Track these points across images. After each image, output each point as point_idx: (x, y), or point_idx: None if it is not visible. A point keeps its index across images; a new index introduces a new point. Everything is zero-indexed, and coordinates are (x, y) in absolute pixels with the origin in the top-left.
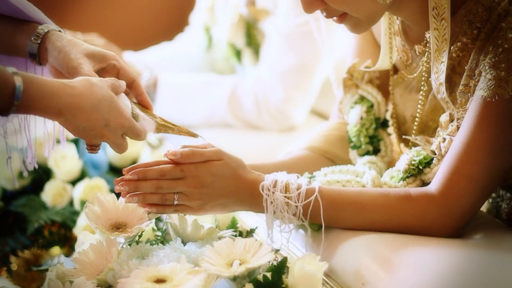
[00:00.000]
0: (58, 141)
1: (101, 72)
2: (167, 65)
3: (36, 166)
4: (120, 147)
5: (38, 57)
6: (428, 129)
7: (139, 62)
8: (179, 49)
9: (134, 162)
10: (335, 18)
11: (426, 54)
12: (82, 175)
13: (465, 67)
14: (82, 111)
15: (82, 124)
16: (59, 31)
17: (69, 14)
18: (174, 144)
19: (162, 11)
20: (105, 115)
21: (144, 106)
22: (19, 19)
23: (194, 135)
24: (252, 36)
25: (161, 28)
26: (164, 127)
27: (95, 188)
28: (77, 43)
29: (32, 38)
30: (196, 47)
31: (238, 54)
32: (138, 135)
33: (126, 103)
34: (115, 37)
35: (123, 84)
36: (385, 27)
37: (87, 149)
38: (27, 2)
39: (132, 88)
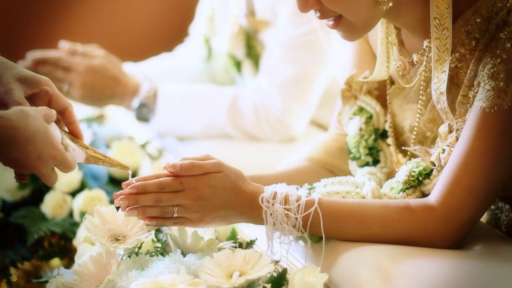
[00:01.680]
0: None
1: (33, 97)
2: (167, 76)
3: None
4: (50, 179)
5: None
6: (426, 139)
7: (139, 73)
8: (178, 60)
9: (134, 174)
10: (330, 23)
11: (424, 63)
12: (82, 187)
13: (464, 78)
14: (16, 144)
15: (14, 156)
16: None
17: (69, 25)
18: (174, 156)
19: (162, 22)
20: (39, 148)
21: (74, 135)
22: None
23: (125, 168)
24: (252, 47)
25: (161, 39)
26: (94, 158)
27: (95, 199)
28: (10, 66)
29: None
30: (195, 58)
31: (238, 65)
32: (69, 167)
33: (56, 133)
34: (115, 48)
35: (54, 113)
36: (382, 36)
37: (16, 178)
38: None
39: (64, 116)
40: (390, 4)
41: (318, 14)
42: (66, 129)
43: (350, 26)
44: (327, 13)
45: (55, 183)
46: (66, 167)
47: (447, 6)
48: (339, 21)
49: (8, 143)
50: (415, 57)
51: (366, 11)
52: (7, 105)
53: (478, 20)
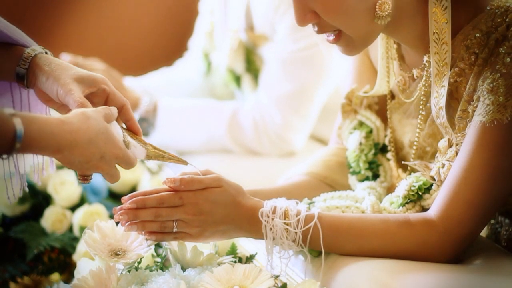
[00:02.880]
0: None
1: (90, 96)
2: (167, 90)
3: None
4: (113, 177)
5: (26, 81)
6: (426, 154)
7: (139, 87)
8: (178, 74)
9: (134, 188)
10: (330, 38)
11: (424, 78)
12: (82, 201)
13: (463, 93)
14: (80, 147)
15: (78, 158)
16: (46, 53)
17: (70, 38)
18: (174, 171)
19: (162, 36)
20: (101, 148)
21: (133, 132)
22: (3, 42)
23: (184, 162)
24: (251, 62)
25: (161, 54)
26: (155, 154)
27: (95, 214)
28: (66, 67)
29: (20, 63)
30: (195, 73)
31: (237, 79)
32: (131, 164)
33: (117, 131)
34: (116, 62)
35: (115, 111)
36: (382, 51)
37: (79, 179)
38: (11, 25)
39: (121, 113)
40: (389, 19)
41: (316, 29)
42: (124, 126)
43: (349, 41)
44: (325, 28)
45: (118, 180)
46: (128, 164)
47: (446, 21)
48: (339, 36)
49: (71, 146)
50: (415, 72)
51: (365, 25)
52: (67, 105)
53: (478, 35)
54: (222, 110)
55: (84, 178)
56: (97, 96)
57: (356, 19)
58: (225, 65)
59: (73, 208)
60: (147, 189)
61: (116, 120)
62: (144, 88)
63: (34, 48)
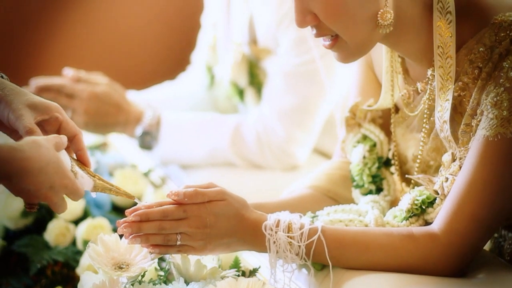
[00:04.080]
0: None
1: (43, 124)
2: (170, 104)
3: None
4: (60, 207)
5: None
6: (430, 168)
7: (142, 101)
8: (181, 88)
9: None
10: (326, 42)
11: (428, 91)
12: (85, 215)
13: (467, 107)
14: (30, 175)
15: (27, 187)
16: (1, 76)
17: (73, 53)
18: (177, 184)
19: (164, 50)
20: (51, 178)
21: (82, 162)
22: None
23: (131, 197)
24: (254, 75)
25: (164, 67)
26: (102, 186)
27: (98, 227)
28: (20, 92)
29: None
30: (198, 86)
31: (240, 93)
32: (79, 195)
33: (66, 160)
34: (119, 76)
35: (65, 140)
36: (387, 65)
37: (26, 207)
38: None
39: (73, 143)
40: (390, 29)
41: (315, 32)
42: (74, 156)
43: (344, 47)
44: (323, 31)
45: (65, 211)
46: (76, 195)
47: (450, 35)
48: (336, 41)
49: (21, 174)
50: (419, 86)
51: (365, 32)
52: (18, 131)
53: (481, 49)
54: (225, 123)
55: (30, 206)
56: (50, 124)
57: (356, 25)
58: (228, 79)
59: (76, 222)
60: (151, 202)
61: (67, 150)
62: (147, 102)
63: None
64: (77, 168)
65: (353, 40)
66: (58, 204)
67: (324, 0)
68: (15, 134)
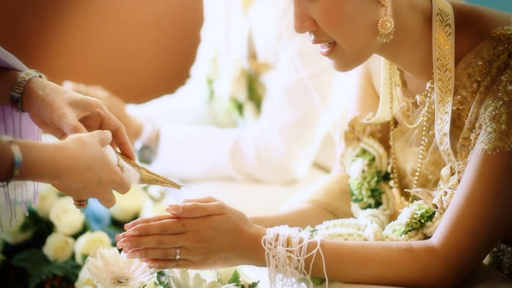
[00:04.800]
0: (60, 194)
1: (85, 120)
2: (169, 118)
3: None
4: (109, 202)
5: (20, 105)
6: (428, 182)
7: (141, 114)
8: (181, 102)
9: (136, 215)
10: (324, 50)
11: (427, 104)
12: (84, 229)
13: (465, 120)
14: (77, 172)
15: (75, 184)
16: (40, 76)
17: (73, 66)
18: (176, 198)
19: (164, 64)
20: (98, 173)
21: (127, 156)
22: None
23: (177, 186)
24: (253, 90)
25: (163, 81)
26: (148, 177)
27: (97, 241)
28: (60, 91)
29: (14, 88)
30: (197, 100)
31: (239, 107)
32: (126, 188)
33: (111, 155)
34: (118, 90)
35: (109, 135)
36: (385, 77)
37: (75, 204)
38: (3, 50)
39: (116, 137)
40: (391, 37)
41: (312, 37)
42: (118, 150)
43: (342, 54)
44: (321, 37)
45: (114, 205)
46: (124, 188)
47: (449, 48)
48: (333, 48)
49: (68, 172)
50: (418, 98)
51: (363, 40)
52: (63, 129)
53: (480, 63)
54: (224, 138)
55: (80, 203)
56: (92, 120)
57: (354, 32)
58: (227, 93)
59: (75, 236)
60: (150, 216)
61: (110, 144)
62: (147, 115)
63: (28, 72)
64: (123, 162)
65: (351, 48)
66: (107, 199)
67: (323, 6)
68: (58, 132)
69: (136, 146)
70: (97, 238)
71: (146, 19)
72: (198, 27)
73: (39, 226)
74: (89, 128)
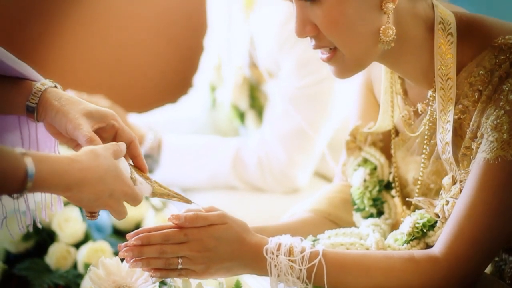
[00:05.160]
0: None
1: (99, 131)
2: (171, 127)
3: (39, 225)
4: (121, 214)
5: (36, 114)
6: (430, 191)
7: (143, 124)
8: (183, 111)
9: (138, 225)
10: (324, 56)
11: (429, 113)
12: (86, 238)
13: (467, 130)
14: (89, 185)
15: (87, 196)
16: (55, 86)
17: (75, 75)
18: (178, 208)
19: (166, 73)
20: (111, 186)
21: (140, 168)
22: (13, 77)
23: (188, 201)
24: (255, 98)
25: (165, 91)
26: (160, 191)
27: (99, 251)
28: (75, 102)
29: (30, 98)
30: (199, 109)
31: (241, 116)
32: (138, 201)
33: (125, 167)
34: (120, 99)
35: (123, 147)
36: (386, 85)
37: (87, 216)
38: (20, 60)
39: (129, 149)
40: (392, 45)
41: (313, 43)
42: (131, 162)
43: (342, 60)
44: (322, 43)
45: (125, 217)
46: (136, 201)
47: (451, 56)
48: (334, 54)
49: (81, 184)
50: (419, 107)
51: (364, 47)
52: (77, 140)
53: (481, 72)
54: (226, 147)
55: (91, 214)
56: (106, 131)
57: (356, 38)
58: (229, 101)
59: (77, 245)
60: (152, 226)
61: (124, 156)
62: (149, 125)
63: (43, 82)
64: (136, 175)
65: (352, 54)
66: (118, 211)
67: (325, 11)
68: (72, 142)
69: None
70: (99, 247)
71: (148, 28)
72: (201, 36)
73: (41, 235)
74: (103, 140)
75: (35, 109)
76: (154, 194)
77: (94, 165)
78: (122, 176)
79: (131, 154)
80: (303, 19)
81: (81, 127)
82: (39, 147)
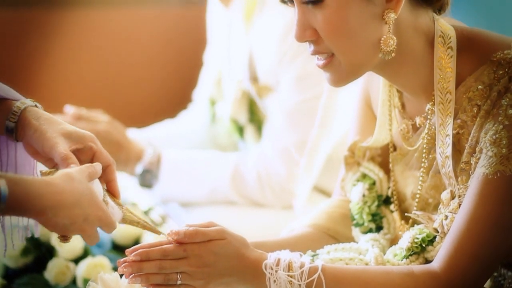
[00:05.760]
0: None
1: (77, 153)
2: (170, 142)
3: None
4: (94, 239)
5: (15, 134)
6: (428, 206)
7: (142, 139)
8: (182, 126)
9: (137, 241)
10: (320, 62)
11: (427, 126)
12: (85, 253)
13: (465, 144)
14: (65, 208)
15: (62, 220)
16: (35, 106)
17: (74, 91)
18: (177, 222)
19: (165, 88)
20: (86, 210)
21: (112, 193)
22: None
23: (157, 233)
24: (254, 113)
25: (164, 106)
26: (130, 219)
27: (98, 266)
28: (54, 122)
29: (9, 117)
30: (199, 124)
31: (240, 130)
32: (112, 227)
33: (98, 189)
34: (119, 114)
35: (99, 168)
36: (384, 99)
37: (59, 239)
38: None
39: (105, 173)
40: (393, 55)
41: (312, 48)
42: (105, 186)
43: (338, 67)
44: (321, 49)
45: (97, 242)
46: (110, 227)
47: (451, 70)
48: (330, 61)
49: (56, 208)
50: (418, 120)
51: (363, 55)
52: (54, 158)
53: (480, 87)
54: (225, 162)
55: (64, 238)
56: (84, 153)
57: (355, 46)
58: (228, 115)
59: (76, 260)
60: (151, 242)
61: (99, 180)
62: (148, 139)
63: (23, 101)
64: (108, 198)
65: (349, 61)
66: (93, 236)
67: (326, 17)
68: (50, 162)
69: (137, 170)
70: (98, 262)
71: (148, 44)
72: (200, 51)
73: (40, 251)
74: (80, 162)
75: (14, 128)
76: (124, 220)
77: (70, 188)
78: (96, 200)
79: (106, 178)
80: (304, 23)
81: (58, 146)
82: (17, 168)
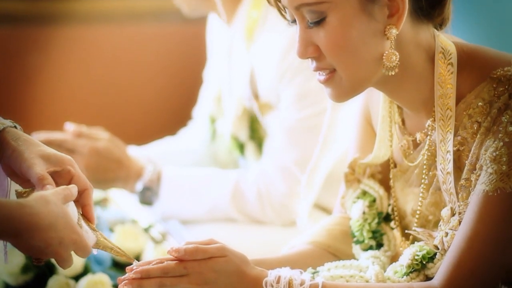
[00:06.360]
0: None
1: (54, 176)
2: (171, 159)
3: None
4: (68, 263)
5: None
6: (429, 223)
7: (142, 156)
8: (182, 143)
9: (137, 258)
10: (321, 77)
11: (427, 142)
12: (85, 271)
13: (465, 161)
14: (40, 231)
15: (37, 243)
16: (14, 127)
17: (74, 108)
18: (178, 240)
19: (165, 106)
20: (61, 233)
21: (87, 218)
22: None
23: (129, 259)
24: (255, 130)
25: (164, 123)
26: (103, 244)
27: (98, 283)
28: (33, 143)
29: None
30: (199, 141)
31: (241, 147)
32: (87, 252)
33: (73, 212)
34: (119, 131)
35: (74, 191)
36: (384, 114)
37: (33, 262)
38: None
39: (81, 197)
40: (396, 70)
41: (314, 64)
42: (80, 210)
43: (339, 83)
44: (323, 65)
45: (70, 266)
46: (84, 252)
47: (451, 87)
48: (331, 76)
49: (30, 230)
50: (418, 136)
51: (365, 71)
52: (30, 179)
53: (480, 103)
54: (226, 179)
55: (38, 260)
56: (61, 176)
57: (358, 62)
58: (229, 132)
59: (76, 278)
60: (151, 259)
61: (75, 203)
62: (148, 157)
63: (3, 122)
64: (82, 222)
65: (351, 77)
66: (66, 260)
67: (328, 33)
68: (27, 184)
69: (137, 187)
70: (99, 280)
71: (147, 61)
72: (200, 68)
73: (40, 268)
74: (58, 185)
75: None
76: (97, 245)
77: (45, 211)
78: (71, 223)
79: (82, 202)
80: (306, 40)
81: (35, 167)
82: None
